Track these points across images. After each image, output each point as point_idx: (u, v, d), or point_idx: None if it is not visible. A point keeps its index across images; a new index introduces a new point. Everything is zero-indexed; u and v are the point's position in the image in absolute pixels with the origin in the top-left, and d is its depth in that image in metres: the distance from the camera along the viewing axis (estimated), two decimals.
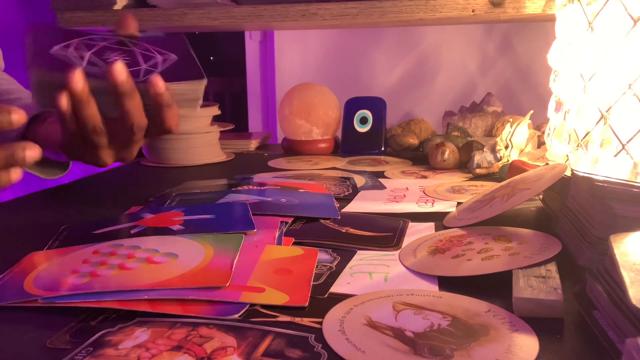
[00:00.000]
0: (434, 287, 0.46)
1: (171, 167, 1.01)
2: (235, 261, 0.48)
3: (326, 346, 0.36)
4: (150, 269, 0.47)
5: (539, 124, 1.01)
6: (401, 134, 1.06)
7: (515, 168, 0.75)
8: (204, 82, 0.57)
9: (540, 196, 0.69)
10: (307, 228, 0.61)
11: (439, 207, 0.69)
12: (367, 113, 1.10)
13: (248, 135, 1.28)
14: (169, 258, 0.49)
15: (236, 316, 0.40)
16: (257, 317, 0.40)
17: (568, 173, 0.56)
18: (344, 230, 0.60)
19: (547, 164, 0.71)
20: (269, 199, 0.69)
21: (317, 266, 0.49)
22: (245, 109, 2.06)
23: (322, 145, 1.10)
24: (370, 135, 1.09)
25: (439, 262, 0.50)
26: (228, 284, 0.44)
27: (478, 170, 0.85)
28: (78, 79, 0.53)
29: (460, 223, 0.60)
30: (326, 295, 0.44)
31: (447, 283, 0.46)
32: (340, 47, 1.75)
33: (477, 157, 0.85)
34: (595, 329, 0.37)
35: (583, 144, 0.70)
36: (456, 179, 0.85)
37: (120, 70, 0.53)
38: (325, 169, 0.95)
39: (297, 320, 0.40)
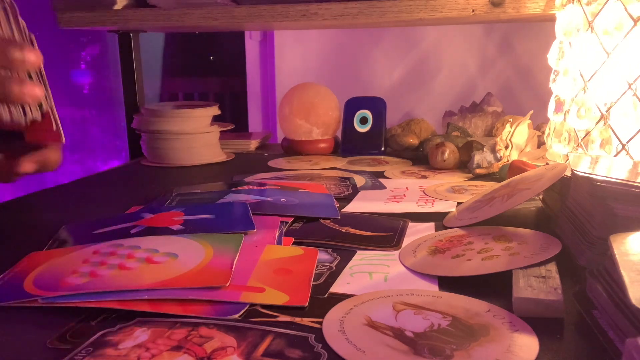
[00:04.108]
0: (434, 287, 0.46)
1: (171, 167, 1.00)
2: (235, 261, 0.48)
3: (326, 346, 0.36)
4: (150, 269, 0.47)
5: (539, 124, 1.01)
6: (401, 134, 1.06)
7: (515, 168, 0.75)
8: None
9: (540, 196, 0.69)
10: (307, 228, 0.61)
11: (439, 207, 0.69)
12: (367, 113, 1.10)
13: (248, 135, 1.28)
14: (169, 258, 0.49)
15: (236, 316, 0.40)
16: (257, 317, 0.40)
17: (568, 173, 0.56)
18: (344, 230, 0.60)
19: (547, 164, 0.71)
20: (269, 199, 0.69)
21: (317, 266, 0.49)
22: (245, 109, 2.06)
23: (322, 145, 1.10)
24: (370, 135, 1.09)
25: (439, 262, 0.50)
26: (228, 284, 0.44)
27: (478, 170, 0.85)
28: None
29: (460, 223, 0.60)
30: (326, 295, 0.44)
31: (447, 283, 0.46)
32: (340, 47, 1.75)
33: (477, 157, 0.85)
34: (595, 329, 0.37)
35: (583, 144, 0.70)
36: (456, 179, 0.85)
37: None
38: (325, 169, 0.95)
39: (297, 320, 0.40)
